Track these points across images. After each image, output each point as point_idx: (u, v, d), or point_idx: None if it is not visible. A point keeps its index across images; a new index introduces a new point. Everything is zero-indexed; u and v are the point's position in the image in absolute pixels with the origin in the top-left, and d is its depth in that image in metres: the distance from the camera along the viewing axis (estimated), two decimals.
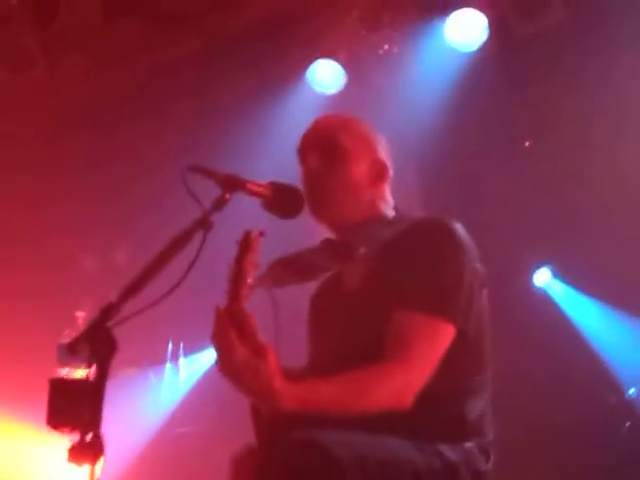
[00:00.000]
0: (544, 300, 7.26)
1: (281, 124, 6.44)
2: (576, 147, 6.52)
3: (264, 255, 2.50)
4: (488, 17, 5.92)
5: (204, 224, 2.38)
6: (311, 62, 6.47)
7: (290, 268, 2.81)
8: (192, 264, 2.32)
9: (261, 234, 2.41)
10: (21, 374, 6.60)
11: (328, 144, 2.93)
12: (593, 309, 7.12)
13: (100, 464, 2.03)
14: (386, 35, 6.27)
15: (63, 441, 2.09)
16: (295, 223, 2.69)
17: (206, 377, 7.42)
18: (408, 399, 2.47)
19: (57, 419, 2.23)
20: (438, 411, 2.61)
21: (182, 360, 7.73)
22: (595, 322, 7.11)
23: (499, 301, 3.08)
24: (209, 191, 2.47)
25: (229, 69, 6.66)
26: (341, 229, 2.92)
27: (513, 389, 5.72)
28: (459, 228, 2.75)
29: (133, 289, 2.26)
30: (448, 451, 2.57)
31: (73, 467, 2.04)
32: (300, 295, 3.00)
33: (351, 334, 2.74)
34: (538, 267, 7.34)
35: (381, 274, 2.76)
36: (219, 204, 2.44)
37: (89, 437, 2.04)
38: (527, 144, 7.06)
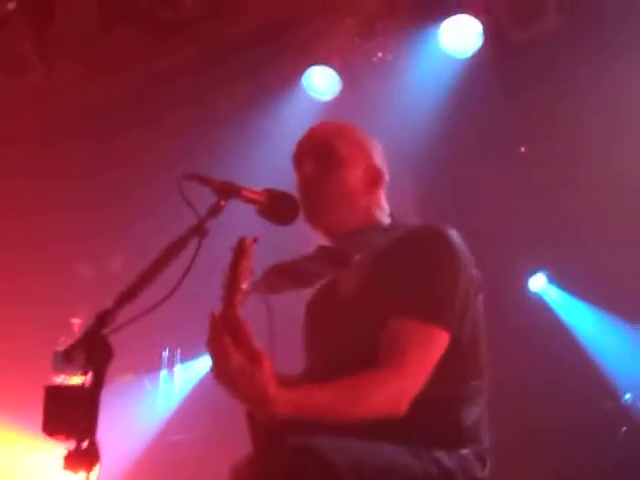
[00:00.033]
0: (540, 305, 7.27)
1: (277, 131, 6.45)
2: (571, 153, 6.54)
3: (260, 262, 2.50)
4: (483, 23, 5.92)
5: (199, 231, 2.38)
6: (306, 70, 6.47)
7: (285, 275, 2.81)
8: (187, 271, 2.32)
9: (255, 240, 2.41)
10: (16, 381, 6.59)
11: (323, 151, 2.93)
12: (588, 314, 7.13)
13: (96, 472, 2.03)
14: (380, 43, 6.29)
15: (59, 449, 2.09)
16: (290, 230, 2.70)
17: (202, 384, 7.41)
18: (403, 406, 2.47)
19: (52, 426, 2.23)
20: (434, 417, 2.61)
21: (178, 367, 7.72)
22: (591, 327, 7.11)
23: (495, 307, 3.09)
24: (205, 198, 2.47)
25: (225, 77, 6.66)
26: (336, 236, 2.92)
27: (509, 394, 5.73)
28: (454, 235, 2.75)
29: (129, 296, 2.26)
30: (444, 458, 2.57)
31: (69, 475, 2.04)
32: (295, 301, 3.00)
33: (346, 341, 2.74)
34: (533, 272, 7.35)
35: (376, 281, 2.76)
36: (214, 211, 2.44)
37: (85, 444, 2.04)
38: (523, 149, 7.07)
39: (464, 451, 2.64)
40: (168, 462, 7.01)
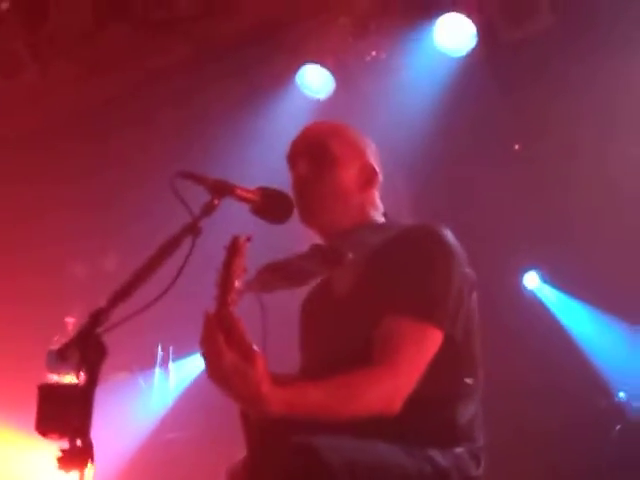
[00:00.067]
0: (534, 304, 7.28)
1: (270, 130, 6.44)
2: (565, 151, 6.55)
3: (253, 260, 2.50)
4: (476, 22, 5.93)
5: (193, 230, 2.38)
6: (299, 68, 6.47)
7: (278, 273, 2.81)
8: (181, 269, 2.32)
9: (248, 239, 2.41)
10: (10, 380, 6.59)
11: (317, 150, 2.93)
12: (582, 312, 7.14)
13: (89, 471, 2.03)
14: (373, 42, 6.28)
15: (52, 448, 2.09)
16: (284, 228, 2.70)
17: (196, 382, 7.41)
18: (396, 404, 2.48)
19: (46, 425, 2.23)
20: (428, 416, 2.61)
21: (172, 365, 7.72)
22: (585, 326, 7.13)
23: (489, 305, 3.09)
24: (198, 197, 2.47)
25: (219, 75, 6.66)
26: (330, 235, 2.92)
27: (503, 393, 5.72)
28: (448, 234, 2.76)
29: (122, 295, 2.26)
30: (438, 456, 2.57)
31: (62, 474, 2.03)
32: (288, 300, 3.00)
33: (340, 340, 2.74)
34: (527, 271, 7.36)
35: (370, 280, 2.77)
36: (208, 210, 2.44)
37: (78, 443, 2.04)
38: (517, 147, 7.08)
39: (458, 450, 2.64)
40: (162, 460, 7.01)
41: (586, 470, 6.12)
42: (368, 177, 2.96)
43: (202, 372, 2.34)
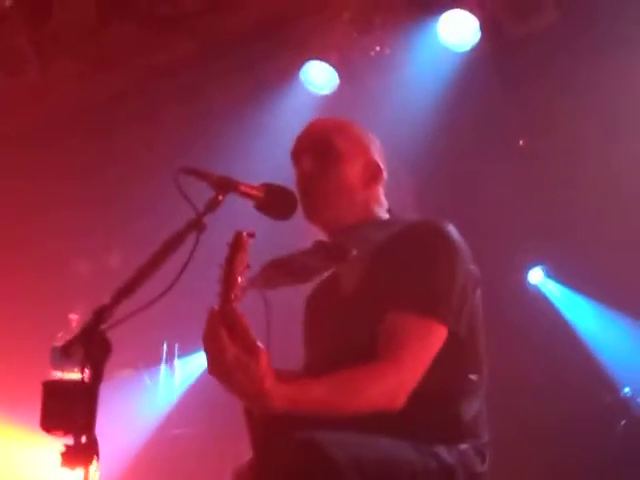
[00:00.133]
0: (538, 300, 7.28)
1: (275, 125, 6.45)
2: (569, 147, 6.54)
3: (258, 257, 2.50)
4: (480, 18, 5.92)
5: (197, 226, 2.37)
6: (304, 64, 6.47)
7: (282, 270, 2.80)
8: (185, 266, 2.31)
9: (251, 235, 2.40)
10: (15, 377, 6.60)
11: (322, 146, 2.92)
12: (587, 308, 7.14)
13: (94, 467, 2.03)
14: (377, 37, 6.27)
15: (57, 444, 2.09)
16: (288, 224, 2.70)
17: (201, 379, 7.42)
18: (400, 399, 2.47)
19: (50, 422, 2.23)
20: (433, 412, 2.60)
21: (177, 362, 7.73)
22: (589, 321, 7.13)
23: (493, 301, 3.09)
24: (202, 193, 2.47)
25: (223, 71, 6.67)
26: (334, 231, 2.91)
27: (508, 388, 5.73)
28: (452, 230, 2.76)
29: (126, 291, 2.26)
30: (444, 453, 2.56)
31: (67, 471, 2.03)
32: (292, 297, 3.00)
33: (347, 336, 2.74)
34: (531, 267, 7.36)
35: (375, 276, 2.77)
36: (212, 206, 2.43)
37: (83, 440, 2.04)
38: (521, 143, 7.07)
39: (463, 446, 2.64)
40: (168, 456, 7.03)
41: (591, 465, 6.12)
42: (372, 173, 2.96)
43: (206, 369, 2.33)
